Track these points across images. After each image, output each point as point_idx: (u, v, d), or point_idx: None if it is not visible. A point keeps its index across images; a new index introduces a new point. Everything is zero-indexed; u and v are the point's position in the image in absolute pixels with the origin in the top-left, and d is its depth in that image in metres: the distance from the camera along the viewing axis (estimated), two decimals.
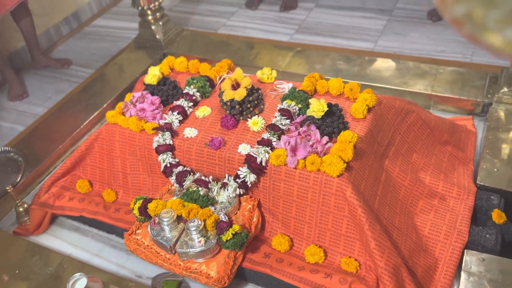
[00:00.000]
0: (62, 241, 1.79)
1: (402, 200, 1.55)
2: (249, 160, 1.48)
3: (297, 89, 1.66)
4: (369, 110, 1.60)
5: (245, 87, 1.61)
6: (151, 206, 1.51)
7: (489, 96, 2.01)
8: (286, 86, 1.72)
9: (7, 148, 2.12)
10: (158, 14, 2.68)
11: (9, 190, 1.78)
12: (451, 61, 2.37)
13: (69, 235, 1.81)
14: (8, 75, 2.66)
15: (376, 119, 1.59)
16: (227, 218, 1.48)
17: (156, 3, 2.63)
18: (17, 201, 1.83)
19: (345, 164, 1.39)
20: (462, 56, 2.41)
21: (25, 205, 1.84)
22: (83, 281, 1.36)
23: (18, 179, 1.97)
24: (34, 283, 1.56)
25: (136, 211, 1.55)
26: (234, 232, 1.41)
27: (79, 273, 1.37)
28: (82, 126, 2.20)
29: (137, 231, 1.55)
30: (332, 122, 1.52)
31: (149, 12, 2.65)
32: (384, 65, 2.31)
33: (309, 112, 1.53)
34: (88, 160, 1.85)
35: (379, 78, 2.24)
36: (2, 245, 1.73)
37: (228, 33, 2.96)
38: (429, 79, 2.17)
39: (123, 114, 1.75)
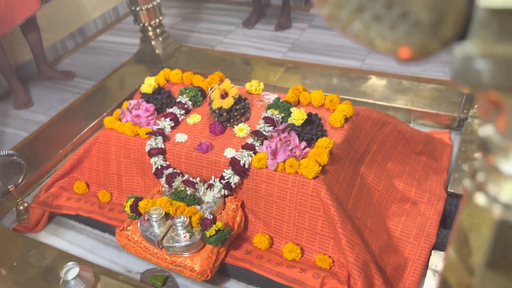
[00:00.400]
0: (59, 238, 1.91)
1: (376, 203, 1.66)
2: (234, 163, 1.60)
3: (281, 100, 1.79)
4: (347, 120, 1.72)
5: (233, 96, 1.74)
6: (141, 204, 1.62)
7: (464, 111, 2.14)
8: (271, 97, 1.85)
9: (11, 151, 2.24)
10: (158, 30, 2.84)
11: (11, 189, 1.90)
12: (432, 79, 2.51)
13: (66, 233, 1.93)
14: (14, 85, 2.81)
15: (353, 128, 1.72)
16: (212, 217, 1.59)
17: (157, 20, 2.79)
18: (18, 200, 1.95)
19: (321, 167, 1.51)
20: (442, 74, 2.55)
21: (25, 204, 1.96)
22: (75, 270, 1.46)
23: (20, 180, 2.09)
24: (30, 274, 1.66)
25: (127, 209, 1.66)
26: (217, 229, 1.52)
27: (72, 262, 1.48)
28: (82, 133, 2.34)
29: (128, 228, 1.66)
30: (311, 130, 1.65)
31: (149, 28, 2.82)
32: (369, 81, 2.45)
33: (290, 120, 1.66)
34: (86, 163, 1.97)
35: (363, 93, 2.37)
36: (2, 240, 1.84)
37: (225, 50, 3.12)
38: (410, 95, 2.30)
39: (119, 120, 1.89)
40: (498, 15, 0.36)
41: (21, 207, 1.95)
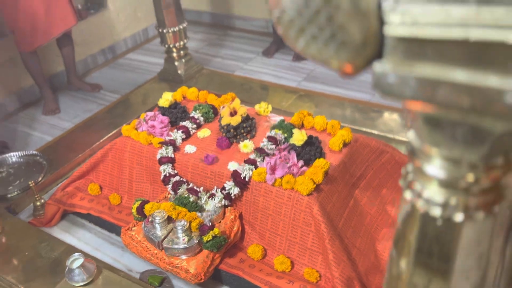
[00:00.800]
0: (69, 234, 2.04)
1: (367, 226, 1.74)
2: (235, 175, 1.72)
3: (286, 122, 1.92)
4: (346, 145, 1.83)
5: (241, 115, 1.88)
6: (147, 207, 1.75)
7: None
8: (277, 119, 1.98)
9: (34, 152, 2.43)
10: (182, 52, 3.04)
11: (31, 185, 2.06)
12: None
13: (76, 230, 2.06)
14: (45, 92, 3.02)
15: (351, 153, 1.82)
16: (210, 224, 1.70)
17: (181, 43, 2.99)
18: (36, 196, 2.10)
19: (315, 185, 1.61)
20: None
21: (42, 200, 2.12)
22: (80, 260, 1.58)
23: (40, 179, 2.26)
24: (39, 264, 1.79)
25: (134, 210, 1.79)
26: (214, 235, 1.63)
27: (77, 254, 1.61)
28: (101, 141, 2.51)
29: (133, 228, 1.78)
30: (310, 151, 1.76)
31: (174, 50, 3.02)
32: (376, 114, 2.56)
33: (291, 140, 1.78)
34: (102, 166, 2.12)
35: (368, 124, 2.48)
36: (17, 231, 1.98)
37: (243, 75, 3.29)
38: None
39: (136, 129, 2.04)
40: (401, 41, 0.48)
41: (38, 203, 2.10)
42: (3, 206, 2.11)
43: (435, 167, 0.58)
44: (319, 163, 1.68)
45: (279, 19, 0.52)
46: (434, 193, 0.59)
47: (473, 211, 0.58)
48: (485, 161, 0.53)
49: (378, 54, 0.51)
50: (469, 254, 0.62)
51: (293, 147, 1.78)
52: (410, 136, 0.59)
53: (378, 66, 0.50)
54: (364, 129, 2.44)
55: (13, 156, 2.43)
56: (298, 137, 1.76)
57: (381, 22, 0.48)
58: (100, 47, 3.63)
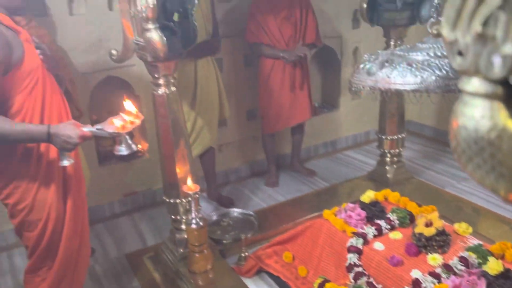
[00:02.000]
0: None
1: None
2: (416, 283, 1.76)
3: (483, 247, 1.87)
4: None
5: (436, 227, 1.93)
6: (327, 286, 1.94)
7: None
8: (475, 242, 1.94)
9: (251, 212, 2.94)
10: (395, 158, 3.23)
11: (243, 238, 2.51)
12: None
13: (264, 287, 2.38)
14: (271, 168, 3.62)
15: None
16: None
17: (397, 150, 3.20)
18: (243, 248, 2.53)
19: None
20: None
21: (246, 254, 2.53)
22: None
23: (249, 235, 2.71)
24: None
25: (316, 286, 2.00)
26: None
27: None
28: (304, 218, 2.85)
29: None
30: (505, 284, 1.67)
31: (388, 155, 3.23)
32: None
33: (485, 267, 1.73)
34: (299, 239, 2.43)
35: None
36: (221, 272, 2.42)
37: (453, 193, 3.23)
38: None
39: (335, 215, 2.30)
40: None
41: (243, 254, 2.52)
42: (218, 248, 2.62)
43: None
44: None
45: (455, 148, 0.71)
46: None
47: None
48: None
49: None
50: None
51: (485, 274, 1.72)
52: None
53: None
54: None
55: (235, 212, 3.00)
56: (493, 266, 1.70)
57: None
58: (324, 140, 4.15)
